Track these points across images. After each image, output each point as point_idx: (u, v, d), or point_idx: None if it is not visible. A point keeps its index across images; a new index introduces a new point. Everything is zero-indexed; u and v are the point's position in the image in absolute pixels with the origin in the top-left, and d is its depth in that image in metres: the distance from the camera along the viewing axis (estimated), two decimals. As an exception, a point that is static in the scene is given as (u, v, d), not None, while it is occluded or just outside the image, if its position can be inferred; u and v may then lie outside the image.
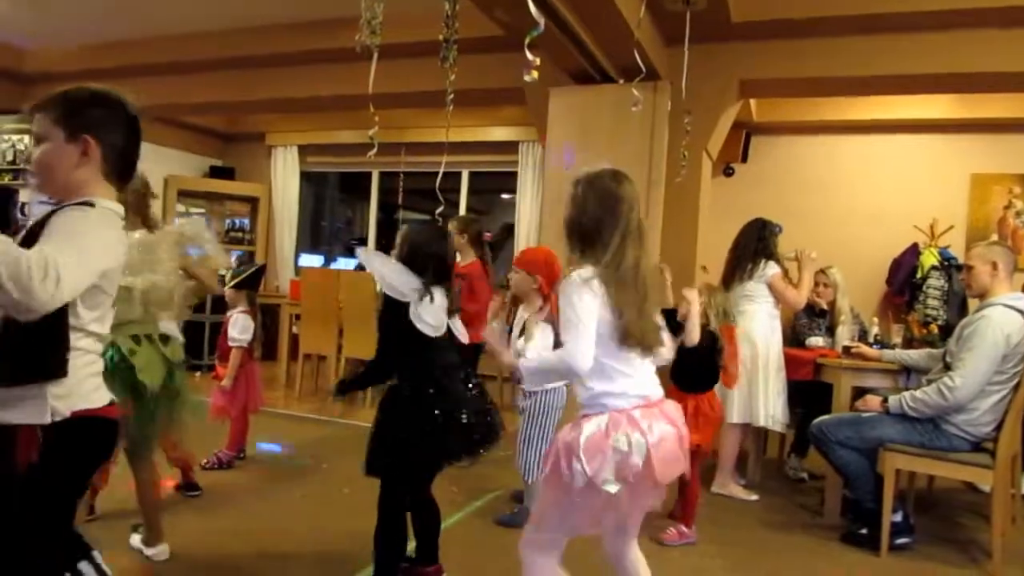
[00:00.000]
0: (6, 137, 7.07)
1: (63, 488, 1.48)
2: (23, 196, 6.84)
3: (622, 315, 1.71)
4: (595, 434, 1.68)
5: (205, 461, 3.70)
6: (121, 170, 1.58)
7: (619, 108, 4.06)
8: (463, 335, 2.39)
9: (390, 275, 2.24)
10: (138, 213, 2.42)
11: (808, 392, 3.95)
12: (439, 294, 2.28)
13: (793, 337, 4.23)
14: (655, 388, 1.81)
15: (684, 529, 3.07)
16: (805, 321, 4.25)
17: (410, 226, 2.47)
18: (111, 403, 1.56)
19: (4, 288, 1.18)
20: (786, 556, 3.00)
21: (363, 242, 8.59)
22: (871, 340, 4.04)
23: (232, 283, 3.89)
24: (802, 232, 4.82)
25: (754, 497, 3.73)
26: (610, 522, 1.82)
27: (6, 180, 6.98)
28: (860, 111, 5.75)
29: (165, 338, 2.47)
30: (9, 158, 7.05)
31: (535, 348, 2.87)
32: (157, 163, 6.80)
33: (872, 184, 5.92)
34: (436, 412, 2.19)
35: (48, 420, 1.41)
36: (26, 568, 1.46)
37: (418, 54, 4.67)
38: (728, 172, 6.30)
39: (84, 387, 1.48)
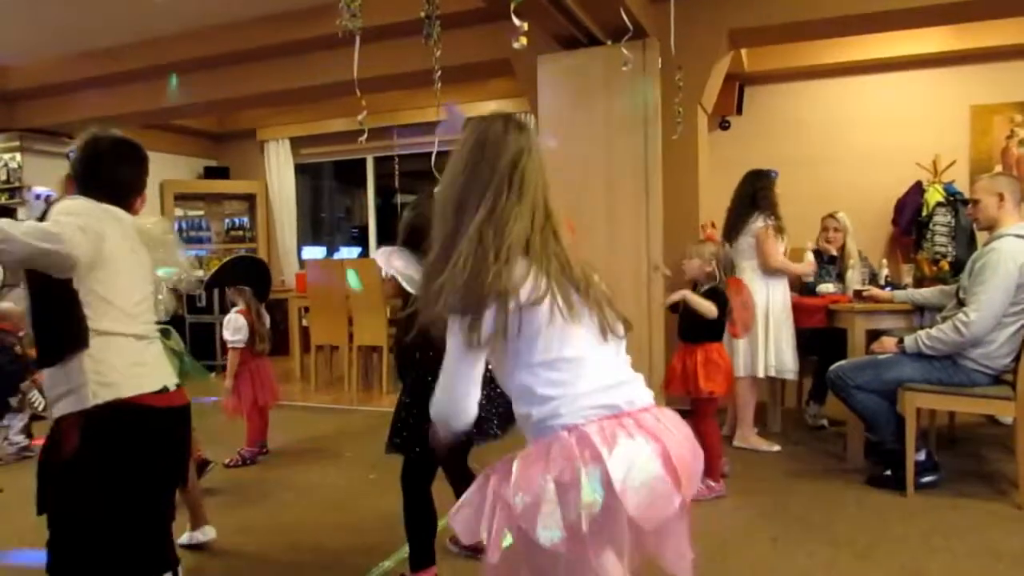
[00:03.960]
0: (-2, 156, 7.05)
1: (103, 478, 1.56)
2: (20, 214, 6.85)
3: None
4: (531, 464, 1.19)
5: (229, 460, 3.73)
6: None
7: (609, 70, 4.00)
8: None
9: (404, 269, 2.23)
10: None
11: (822, 339, 3.94)
12: None
13: (803, 285, 4.20)
14: (630, 393, 1.29)
15: (712, 483, 3.09)
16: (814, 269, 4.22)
17: (409, 207, 2.44)
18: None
19: None
20: (814, 502, 3.02)
21: (363, 231, 8.58)
22: (882, 282, 4.02)
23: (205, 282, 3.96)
24: (804, 179, 4.79)
25: (776, 448, 3.75)
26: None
27: (3, 199, 6.98)
28: (853, 51, 5.66)
29: (166, 331, 2.48)
30: (3, 177, 7.04)
31: None
32: (151, 168, 6.77)
33: (871, 125, 5.84)
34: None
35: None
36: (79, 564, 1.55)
37: (401, 34, 4.61)
38: (724, 126, 6.23)
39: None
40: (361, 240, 8.75)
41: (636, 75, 3.97)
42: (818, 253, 4.31)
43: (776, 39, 5.21)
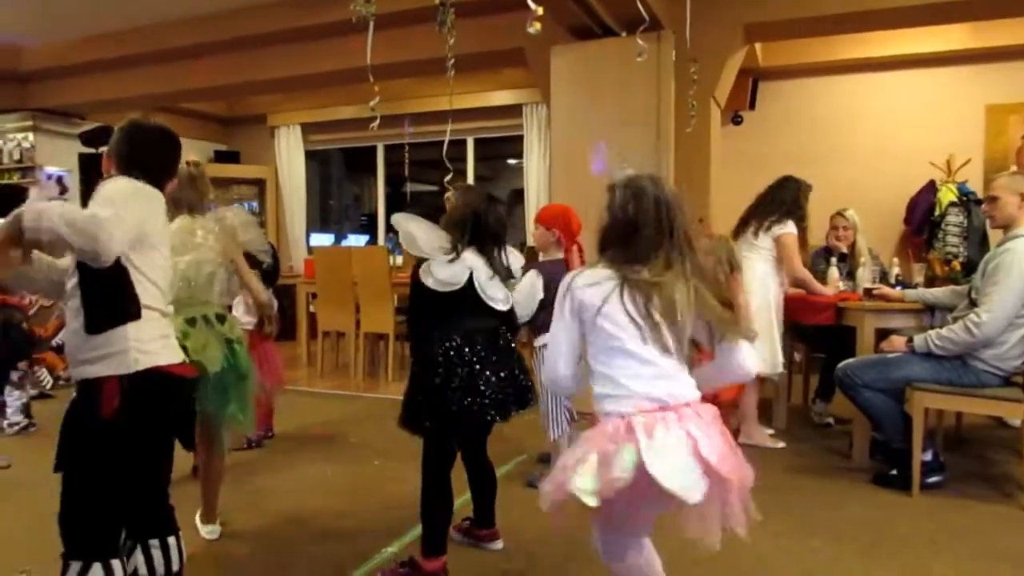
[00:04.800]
0: (11, 136, 7.08)
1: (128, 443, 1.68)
2: (32, 194, 6.87)
3: (646, 315, 1.58)
4: (589, 439, 1.55)
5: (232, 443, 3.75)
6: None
7: (624, 62, 3.98)
8: (498, 302, 2.32)
9: (416, 232, 2.25)
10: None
11: (830, 336, 3.92)
12: (472, 255, 2.27)
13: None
14: (678, 389, 1.58)
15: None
16: (824, 267, 4.20)
17: (456, 190, 2.47)
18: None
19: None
20: (818, 500, 3.01)
21: (372, 219, 8.58)
22: (892, 281, 3.99)
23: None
24: (815, 176, 4.72)
25: (781, 445, 3.74)
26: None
27: (15, 179, 7.01)
28: (869, 48, 5.62)
29: (221, 317, 2.50)
30: (16, 157, 7.07)
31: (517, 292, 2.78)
32: (162, 152, 6.78)
33: (885, 122, 5.81)
34: (455, 374, 2.18)
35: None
36: (79, 522, 1.65)
37: (414, 21, 4.60)
38: (736, 120, 6.20)
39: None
40: (369, 228, 8.76)
41: (650, 67, 3.95)
42: (828, 251, 4.29)
43: (791, 34, 5.18)
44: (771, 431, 3.90)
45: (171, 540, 1.80)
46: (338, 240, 8.63)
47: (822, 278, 4.01)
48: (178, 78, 6.33)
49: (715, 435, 1.53)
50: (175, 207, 2.41)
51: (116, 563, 1.66)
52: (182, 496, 2.55)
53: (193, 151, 8.60)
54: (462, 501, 2.58)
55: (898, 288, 3.71)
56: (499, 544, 2.55)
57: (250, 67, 6.09)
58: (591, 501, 1.44)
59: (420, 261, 2.28)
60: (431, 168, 7.86)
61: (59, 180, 7.09)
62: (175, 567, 1.80)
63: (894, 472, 3.13)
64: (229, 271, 2.54)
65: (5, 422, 4.14)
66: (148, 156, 1.88)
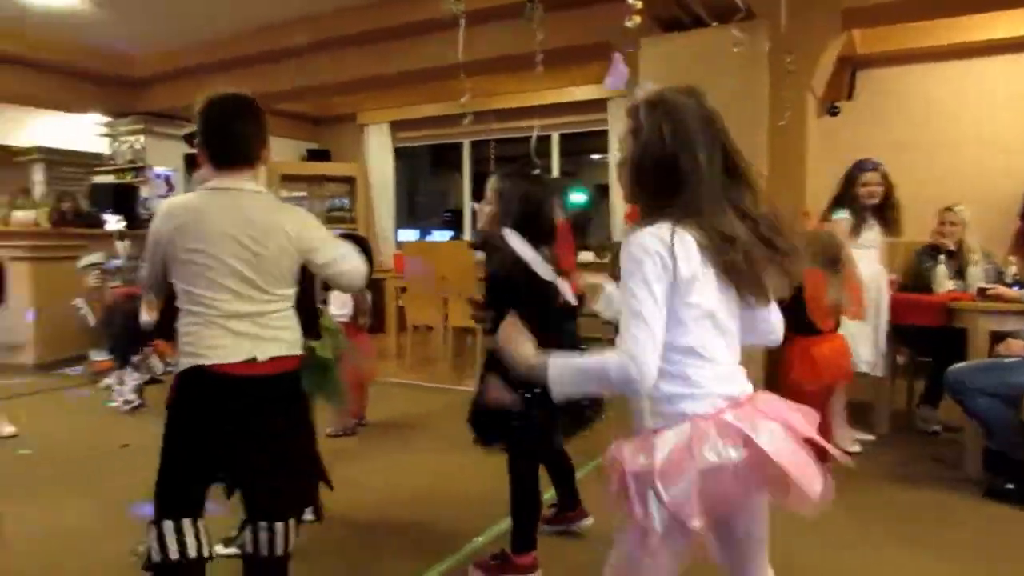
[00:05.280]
0: (124, 139, 7.57)
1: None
2: (143, 192, 7.34)
3: (730, 262, 1.24)
4: (675, 451, 1.21)
5: (331, 429, 3.89)
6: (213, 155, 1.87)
7: (715, 53, 3.87)
8: (571, 296, 2.27)
9: (529, 256, 2.19)
10: None
11: (936, 339, 3.70)
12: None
13: (918, 280, 3.96)
14: (742, 383, 1.31)
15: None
16: (931, 264, 3.97)
17: (512, 181, 2.35)
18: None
19: None
20: (925, 513, 2.85)
21: (456, 214, 8.68)
22: (1009, 280, 3.73)
23: None
24: (919, 169, 4.49)
25: (857, 448, 3.53)
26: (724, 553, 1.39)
27: (128, 178, 7.49)
28: (981, 30, 5.25)
29: (319, 310, 2.60)
30: (128, 158, 7.56)
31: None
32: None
33: (999, 110, 5.42)
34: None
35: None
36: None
37: (499, 17, 4.62)
38: (833, 111, 5.92)
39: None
40: (454, 224, 8.88)
41: (743, 58, 3.82)
42: (935, 248, 4.05)
43: (891, 19, 4.89)
44: (871, 436, 3.71)
45: (278, 526, 1.84)
46: (423, 235, 8.80)
47: (929, 277, 3.79)
48: (271, 80, 6.59)
49: (797, 419, 1.29)
50: None
51: (168, 523, 1.77)
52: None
53: (288, 149, 8.96)
54: (548, 496, 2.59)
55: (1015, 288, 3.47)
56: (590, 520, 2.58)
57: (341, 67, 6.28)
58: (698, 523, 1.18)
59: (510, 266, 2.23)
60: (515, 163, 7.89)
61: (167, 179, 7.54)
62: (279, 551, 1.85)
63: (1011, 486, 2.93)
64: None
65: (121, 399, 4.53)
66: (225, 131, 1.84)
